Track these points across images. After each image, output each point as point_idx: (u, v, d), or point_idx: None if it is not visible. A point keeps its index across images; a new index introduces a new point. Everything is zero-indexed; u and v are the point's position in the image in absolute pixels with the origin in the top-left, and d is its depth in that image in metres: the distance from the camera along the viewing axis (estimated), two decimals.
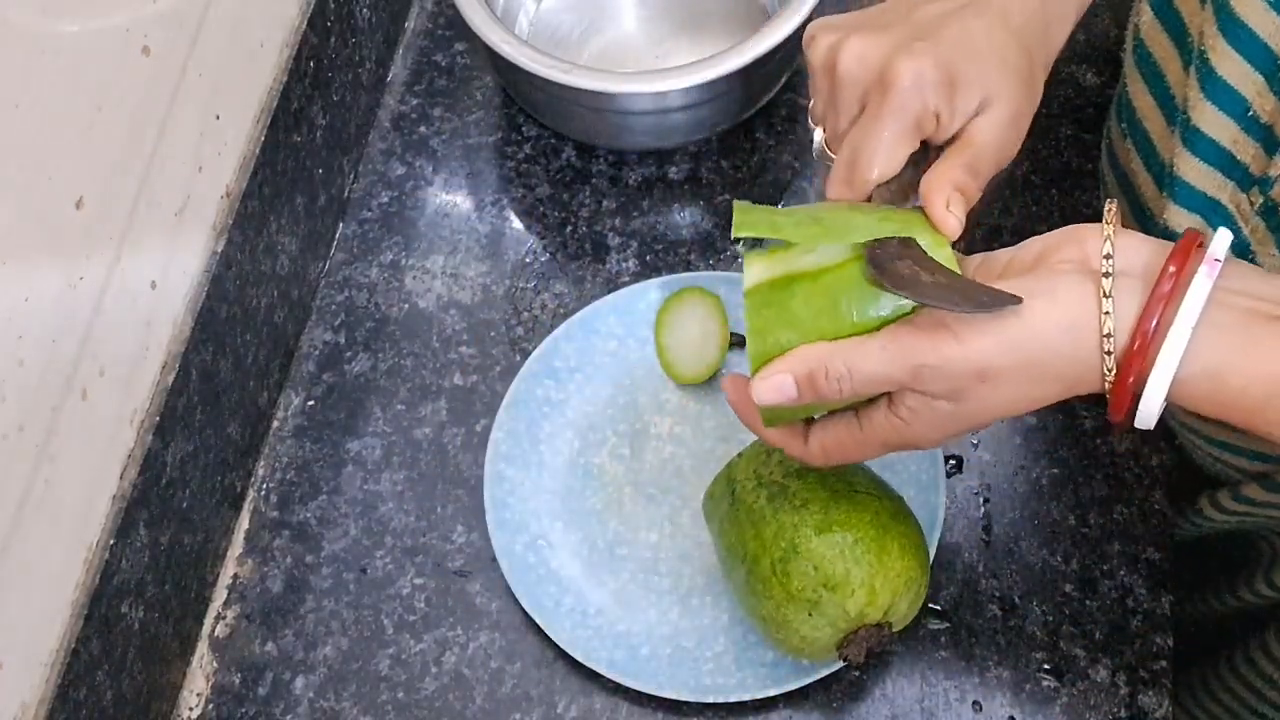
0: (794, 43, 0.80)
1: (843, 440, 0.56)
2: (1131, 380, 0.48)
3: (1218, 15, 0.55)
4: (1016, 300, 0.49)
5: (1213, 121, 0.57)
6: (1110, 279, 0.48)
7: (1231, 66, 0.55)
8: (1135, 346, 0.48)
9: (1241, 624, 0.84)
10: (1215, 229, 0.58)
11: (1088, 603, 0.71)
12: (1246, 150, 0.57)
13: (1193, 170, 0.60)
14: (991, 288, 0.51)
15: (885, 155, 0.55)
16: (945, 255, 0.53)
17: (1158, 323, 0.47)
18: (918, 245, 0.53)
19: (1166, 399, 0.48)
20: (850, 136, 0.56)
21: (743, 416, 0.58)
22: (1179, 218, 0.61)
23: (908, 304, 0.51)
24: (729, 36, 0.85)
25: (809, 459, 0.57)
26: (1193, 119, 0.58)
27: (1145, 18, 0.65)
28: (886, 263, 0.52)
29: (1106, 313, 0.48)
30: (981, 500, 0.74)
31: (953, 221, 0.54)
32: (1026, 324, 0.49)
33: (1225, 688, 0.84)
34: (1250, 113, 0.56)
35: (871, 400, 0.54)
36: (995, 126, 0.55)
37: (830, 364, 0.51)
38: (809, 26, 0.59)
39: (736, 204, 0.56)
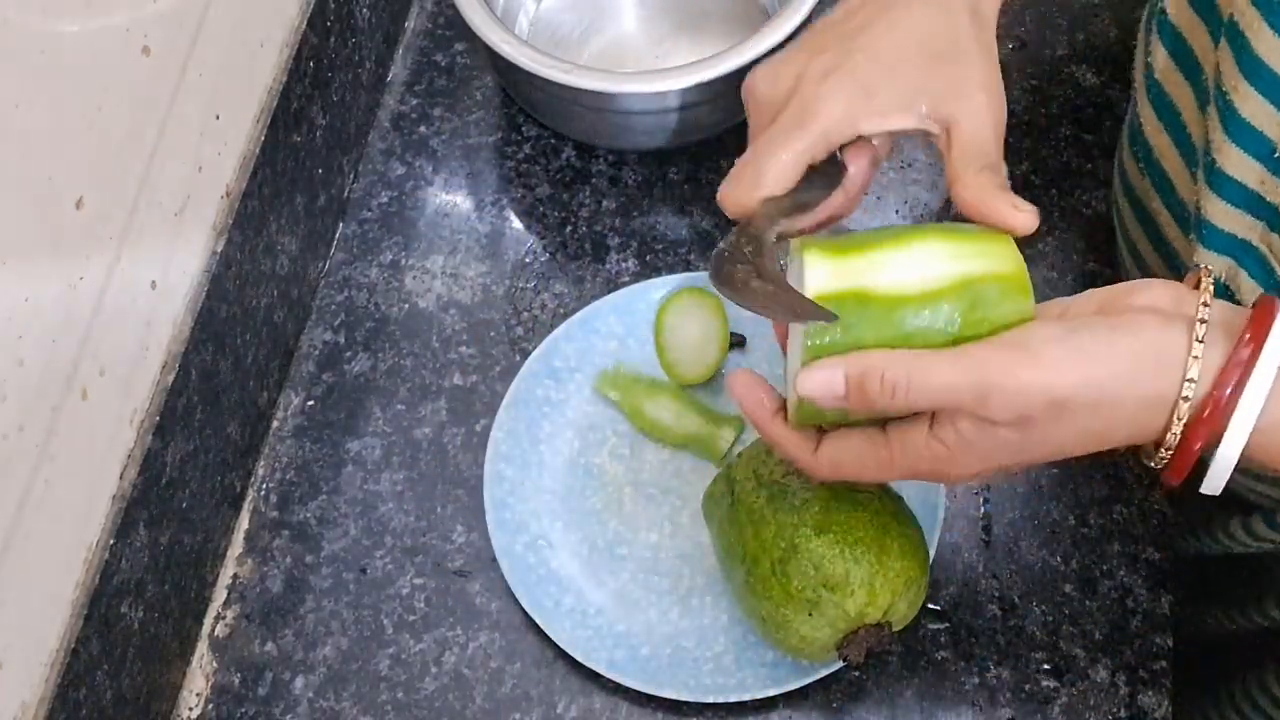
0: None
1: (862, 457, 0.52)
2: (1199, 445, 0.47)
3: (1238, 57, 0.54)
4: (832, 317, 0.48)
5: (1238, 163, 0.57)
6: (1205, 325, 0.47)
7: (1254, 108, 0.54)
8: (1207, 414, 0.47)
9: (1252, 645, 0.84)
10: (1247, 271, 0.58)
11: (1088, 603, 0.71)
12: (1276, 191, 0.56)
13: (1220, 213, 0.59)
14: (811, 301, 0.49)
15: (778, 167, 0.54)
16: (1021, 284, 0.51)
17: (1231, 390, 0.46)
18: (765, 249, 0.52)
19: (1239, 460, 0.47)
20: (751, 146, 0.56)
21: (749, 411, 0.55)
22: (1209, 260, 0.61)
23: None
24: (729, 36, 0.85)
25: (814, 470, 0.54)
26: (1217, 161, 0.57)
27: (1159, 56, 0.64)
28: (725, 265, 0.52)
29: (1195, 356, 0.46)
30: (981, 500, 0.74)
31: (1028, 215, 0.52)
32: (1112, 356, 0.47)
33: (1233, 711, 0.84)
34: (1276, 154, 0.55)
35: (906, 417, 0.51)
36: (973, 111, 0.54)
37: (889, 369, 0.48)
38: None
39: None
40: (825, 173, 0.56)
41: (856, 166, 0.57)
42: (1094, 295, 0.52)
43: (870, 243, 0.52)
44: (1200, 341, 0.46)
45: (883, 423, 0.52)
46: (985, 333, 0.49)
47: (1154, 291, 0.50)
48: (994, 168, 0.54)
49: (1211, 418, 0.46)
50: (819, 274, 0.51)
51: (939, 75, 0.54)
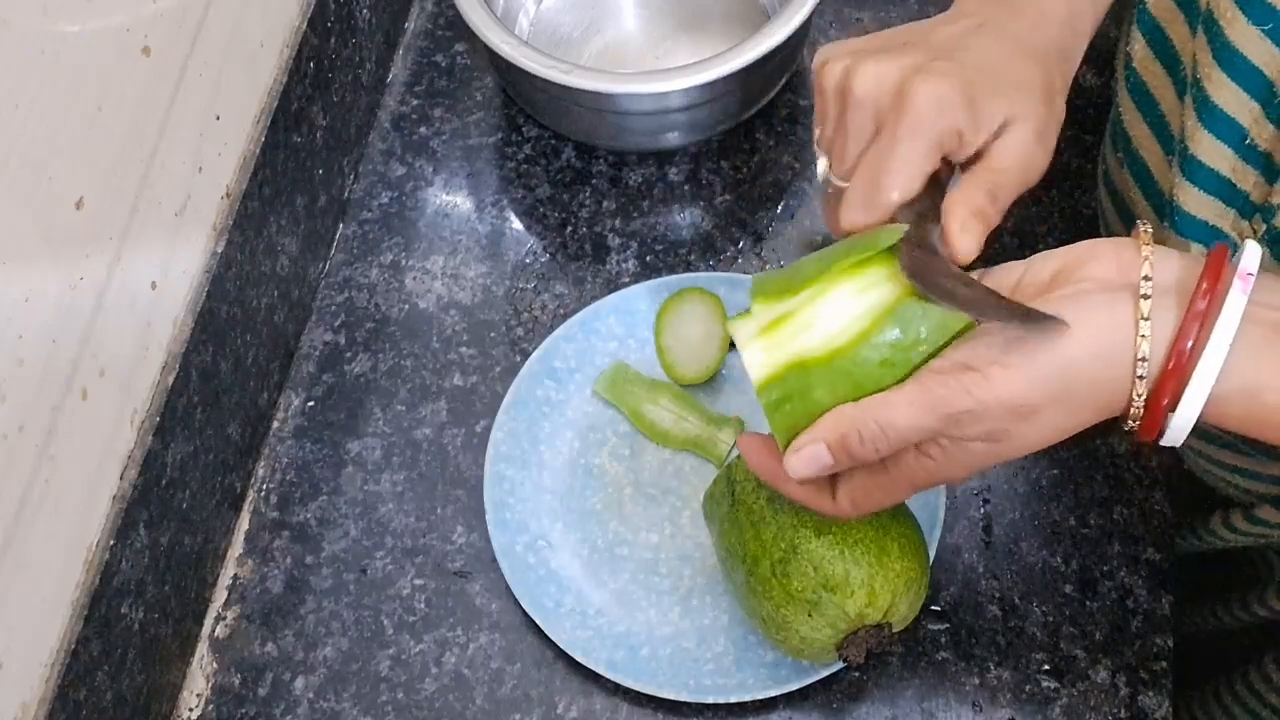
0: (794, 43, 0.80)
1: (870, 489, 0.54)
2: (1166, 401, 0.47)
3: (1212, 44, 0.55)
4: (1060, 322, 0.48)
5: (1211, 150, 0.57)
6: (1149, 301, 0.47)
7: (1228, 95, 0.55)
8: (1170, 366, 0.47)
9: (1249, 640, 0.84)
10: None
11: (1088, 603, 0.71)
12: (1246, 178, 0.57)
13: (1193, 199, 0.59)
14: (1027, 306, 0.49)
15: (906, 175, 0.53)
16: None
17: (1194, 343, 0.46)
18: (940, 253, 0.52)
19: (1200, 418, 0.47)
20: (868, 157, 0.54)
21: (767, 478, 0.57)
22: (1182, 248, 0.61)
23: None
24: (729, 36, 0.85)
25: (839, 514, 0.56)
26: (1190, 148, 0.57)
27: (1138, 46, 0.64)
28: (926, 275, 0.51)
29: (1143, 335, 0.47)
30: (981, 500, 0.74)
31: (969, 243, 0.52)
32: (1060, 355, 0.48)
33: (1234, 703, 0.84)
34: (1248, 141, 0.55)
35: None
36: (1018, 146, 0.54)
37: (863, 426, 0.50)
38: (819, 51, 0.58)
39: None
40: (932, 182, 0.56)
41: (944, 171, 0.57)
42: (1048, 261, 0.52)
43: (787, 303, 0.54)
44: (1146, 319, 0.47)
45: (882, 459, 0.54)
46: (931, 349, 0.51)
47: (1104, 260, 0.50)
48: (993, 194, 0.54)
49: (1175, 373, 0.47)
50: (754, 358, 0.53)
51: (1022, 102, 0.54)
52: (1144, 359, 0.47)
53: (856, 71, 0.54)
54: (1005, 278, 0.53)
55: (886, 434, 0.50)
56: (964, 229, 0.52)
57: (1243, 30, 0.53)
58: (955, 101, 0.53)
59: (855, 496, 0.55)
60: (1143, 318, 0.47)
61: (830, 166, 0.58)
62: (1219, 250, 0.48)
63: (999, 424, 0.49)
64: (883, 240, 0.53)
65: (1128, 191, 0.69)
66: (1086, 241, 0.52)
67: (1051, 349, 0.48)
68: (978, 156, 0.55)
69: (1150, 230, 0.51)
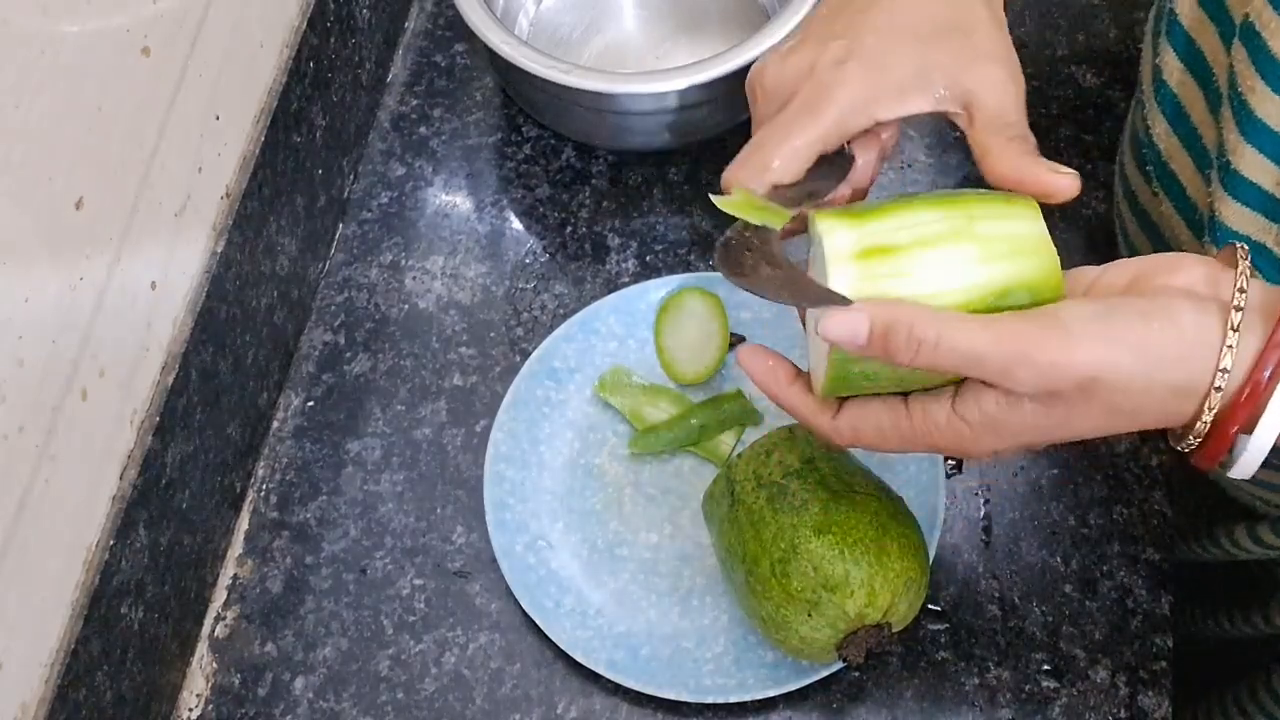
0: None
1: (882, 426, 0.51)
2: (1236, 428, 0.46)
3: (1254, 57, 0.54)
4: (845, 301, 0.46)
5: (1253, 164, 0.56)
6: (1241, 313, 0.46)
7: (1271, 109, 0.54)
8: (1246, 395, 0.45)
9: (1260, 650, 0.84)
10: (1262, 274, 0.57)
11: (1088, 603, 0.71)
12: None
13: (1234, 214, 0.58)
14: (825, 287, 0.48)
15: (789, 155, 0.53)
16: (1042, 235, 0.49)
17: (1271, 373, 0.45)
18: (771, 236, 0.51)
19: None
20: (760, 130, 0.54)
21: (760, 380, 0.54)
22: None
23: None
24: (729, 36, 0.85)
25: (834, 436, 0.52)
26: (1233, 163, 0.57)
27: (1169, 58, 0.63)
28: (732, 253, 0.50)
29: (1229, 345, 0.45)
30: (981, 500, 0.74)
31: (1068, 179, 0.50)
32: (1146, 341, 0.46)
33: (1255, 709, 0.84)
34: None
35: (926, 391, 0.50)
36: (990, 82, 0.53)
37: (918, 324, 0.46)
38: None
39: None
40: (832, 163, 0.55)
41: (864, 159, 0.55)
42: (1126, 267, 0.50)
43: (889, 208, 0.51)
44: (1235, 330, 0.45)
45: (904, 396, 0.51)
46: (1017, 305, 0.48)
47: (1188, 271, 0.49)
48: (1023, 136, 0.52)
49: (1249, 401, 0.46)
50: (844, 278, 0.49)
51: (952, 50, 0.53)
52: (1225, 370, 0.45)
53: (766, 64, 0.55)
54: (1079, 280, 0.51)
55: (938, 345, 0.46)
56: (1054, 176, 0.50)
57: None
58: (857, 84, 0.52)
59: (859, 425, 0.51)
60: (1233, 328, 0.45)
61: None
62: None
63: (1059, 386, 0.46)
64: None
65: (1156, 206, 0.67)
66: (1169, 254, 0.50)
67: (1140, 332, 0.46)
68: (971, 118, 0.53)
69: (1248, 250, 0.49)
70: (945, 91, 0.53)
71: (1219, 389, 0.46)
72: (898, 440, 0.51)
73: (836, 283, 0.49)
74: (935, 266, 0.48)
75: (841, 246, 0.49)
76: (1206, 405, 0.46)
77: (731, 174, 0.54)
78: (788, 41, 0.57)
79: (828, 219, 0.50)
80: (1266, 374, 0.45)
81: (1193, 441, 0.48)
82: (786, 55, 0.55)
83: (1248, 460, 0.47)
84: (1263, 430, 0.46)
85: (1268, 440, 0.46)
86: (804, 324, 0.56)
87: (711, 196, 0.54)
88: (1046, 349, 0.46)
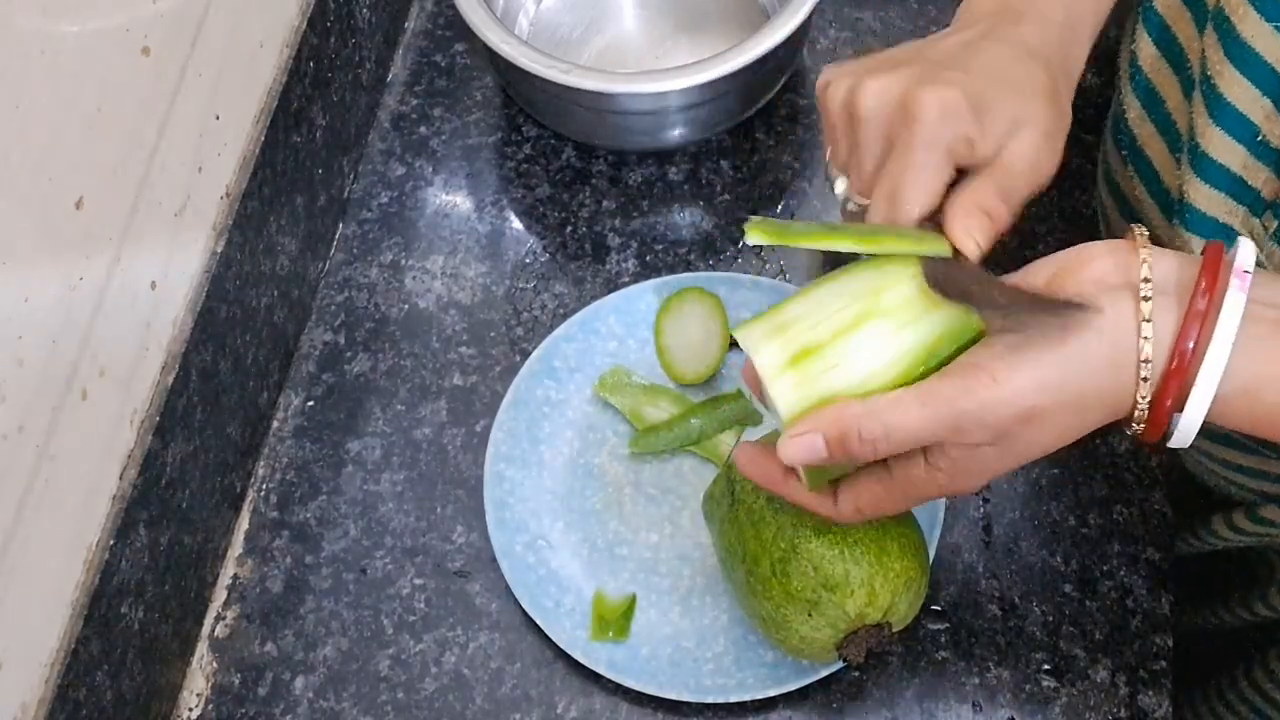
0: (794, 43, 0.80)
1: (876, 496, 0.54)
2: (1169, 402, 0.47)
3: (1224, 41, 0.54)
4: (1084, 307, 0.47)
5: (1222, 147, 0.57)
6: (1149, 302, 0.47)
7: (1239, 91, 0.54)
8: (1173, 367, 0.47)
9: (1250, 639, 0.84)
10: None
11: (1088, 603, 0.71)
12: (1257, 175, 0.56)
13: (1203, 196, 0.59)
14: (1051, 296, 0.49)
15: (924, 189, 0.53)
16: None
17: (1195, 343, 0.46)
18: (964, 259, 0.52)
19: (1205, 418, 0.47)
20: (885, 174, 0.54)
21: (766, 483, 0.57)
22: (1191, 245, 0.60)
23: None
24: (729, 36, 0.85)
25: (842, 519, 0.56)
26: (1201, 145, 0.57)
27: (1144, 45, 0.64)
28: (944, 277, 0.51)
29: (1145, 337, 0.47)
30: (981, 500, 0.74)
31: (970, 244, 0.52)
32: (1066, 358, 0.47)
33: (1235, 702, 0.84)
34: (1260, 138, 0.55)
35: (903, 455, 0.52)
36: (1027, 149, 0.54)
37: (864, 425, 0.49)
38: (823, 73, 0.58)
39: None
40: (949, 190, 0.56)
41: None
42: (1044, 266, 0.51)
43: (799, 298, 0.53)
44: (1148, 321, 0.47)
45: (885, 462, 0.53)
46: (943, 356, 0.51)
47: (1098, 261, 0.50)
48: (1004, 194, 0.53)
49: (1178, 373, 0.47)
50: (784, 392, 0.52)
51: (1030, 107, 0.54)
52: (1147, 360, 0.47)
53: (860, 89, 0.54)
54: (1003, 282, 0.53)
55: (889, 435, 0.49)
56: (966, 232, 0.52)
57: (1255, 26, 0.53)
58: (962, 108, 0.52)
59: (860, 502, 0.55)
60: (1144, 319, 0.47)
61: (849, 186, 0.57)
62: (1214, 248, 0.48)
63: (1003, 427, 0.48)
64: (897, 264, 0.53)
65: (1132, 190, 0.68)
66: (1079, 246, 0.51)
67: (1058, 353, 0.47)
68: (986, 163, 0.54)
69: (1146, 233, 0.50)
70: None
71: (1145, 378, 0.47)
72: (892, 502, 0.54)
73: (779, 396, 0.52)
74: (861, 350, 0.52)
75: (772, 360, 0.53)
76: (1138, 395, 0.48)
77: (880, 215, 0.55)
78: (859, 65, 0.57)
79: (751, 334, 0.53)
80: (1190, 344, 0.46)
81: (1137, 427, 0.49)
82: (884, 80, 0.54)
83: (1183, 429, 0.48)
84: (1193, 403, 0.47)
85: (1199, 410, 0.47)
86: (754, 388, 0.57)
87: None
88: (979, 399, 0.48)
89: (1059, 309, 0.48)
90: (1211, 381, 0.46)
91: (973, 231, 0.52)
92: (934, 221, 0.54)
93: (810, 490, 0.55)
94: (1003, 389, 0.48)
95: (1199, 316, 0.46)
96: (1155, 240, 0.66)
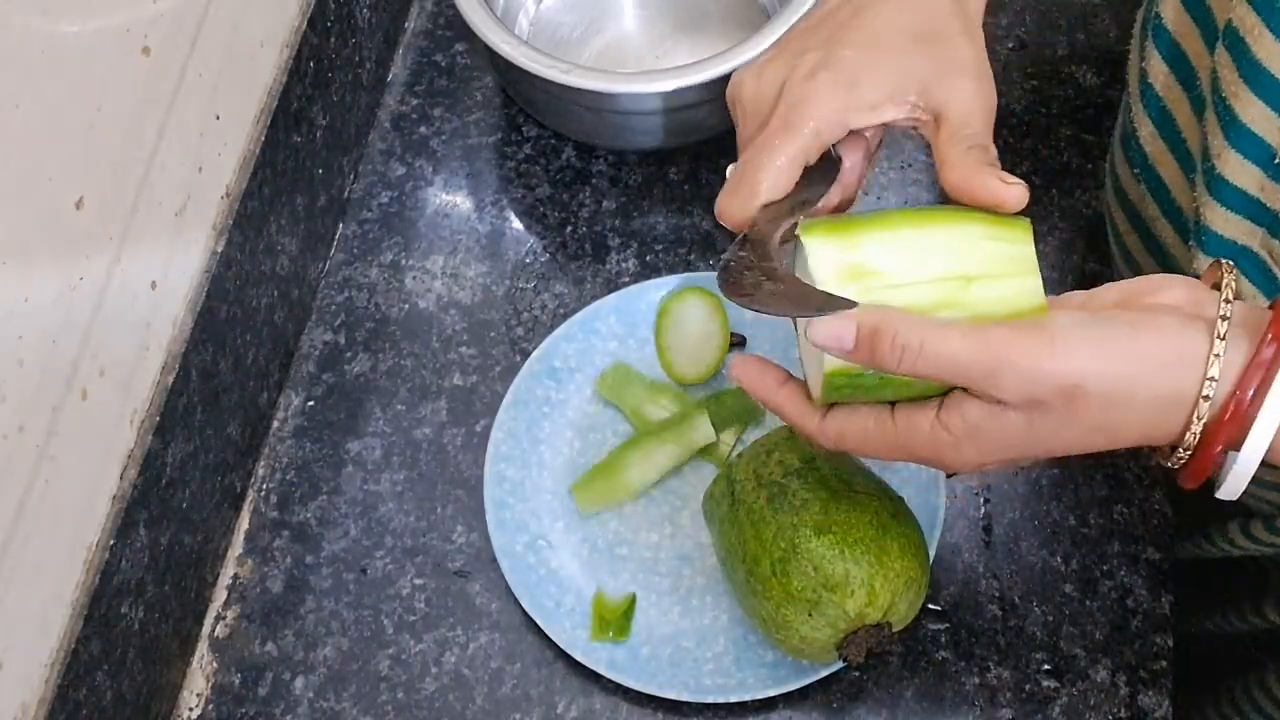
0: None
1: (866, 431, 0.51)
2: (1220, 446, 0.46)
3: (1238, 62, 0.54)
4: (851, 304, 0.47)
5: (1238, 170, 0.56)
6: (1226, 322, 0.46)
7: (1255, 113, 0.54)
8: (1230, 413, 0.46)
9: (1257, 646, 0.84)
10: (1248, 277, 0.57)
11: (1088, 603, 0.71)
12: (1276, 197, 0.56)
13: (1220, 219, 0.58)
14: (827, 293, 0.48)
15: (772, 174, 0.53)
16: (1028, 256, 0.50)
17: (1255, 392, 0.45)
18: (769, 251, 0.51)
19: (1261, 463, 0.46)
20: (741, 156, 0.55)
21: (751, 386, 0.54)
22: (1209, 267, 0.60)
23: None
24: (729, 36, 0.85)
25: (819, 438, 0.53)
26: (1217, 168, 0.57)
27: (1155, 63, 0.63)
28: (733, 275, 0.50)
29: (1217, 355, 0.46)
30: (981, 500, 0.74)
31: (1017, 189, 0.50)
32: (1132, 350, 0.46)
33: (1244, 707, 0.84)
34: (1277, 159, 0.55)
35: (915, 400, 0.50)
36: (960, 94, 0.53)
37: (902, 330, 0.47)
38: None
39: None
40: (821, 169, 0.55)
41: (851, 160, 0.56)
42: (1112, 289, 0.51)
43: (874, 222, 0.51)
44: (1222, 339, 0.46)
45: (891, 404, 0.51)
46: (997, 315, 0.48)
47: (1174, 291, 0.49)
48: (983, 147, 0.52)
49: (1234, 419, 0.46)
50: (823, 257, 0.50)
51: (925, 61, 0.53)
52: (1213, 379, 0.46)
53: (744, 81, 0.56)
54: (1067, 303, 0.52)
55: (922, 350, 0.47)
56: (1002, 181, 0.50)
57: (1270, 47, 0.52)
58: (829, 96, 0.52)
59: (843, 429, 0.52)
60: (1219, 337, 0.46)
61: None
62: None
63: (1043, 395, 0.46)
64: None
65: (1145, 208, 0.68)
66: (1156, 275, 0.51)
67: (1127, 341, 0.46)
68: (938, 127, 0.53)
69: (1234, 268, 0.50)
70: (916, 99, 0.54)
71: (1207, 398, 0.46)
72: (880, 445, 0.51)
73: (827, 283, 0.50)
74: (914, 246, 0.50)
75: (828, 262, 0.50)
76: (1195, 415, 0.46)
77: (724, 205, 0.55)
78: (765, 54, 0.57)
79: (815, 239, 0.51)
80: (1250, 394, 0.45)
81: (1182, 456, 0.48)
82: (761, 69, 0.55)
83: (1236, 479, 0.47)
84: (1250, 446, 0.46)
85: (1255, 457, 0.46)
86: (797, 333, 0.56)
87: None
88: (1030, 354, 0.46)
89: (823, 305, 0.47)
90: (1269, 430, 0.45)
91: (1005, 177, 0.50)
92: (794, 200, 0.54)
93: (819, 403, 0.53)
94: (1058, 355, 0.46)
95: (1264, 365, 0.45)
96: (1167, 258, 0.66)
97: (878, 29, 0.54)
